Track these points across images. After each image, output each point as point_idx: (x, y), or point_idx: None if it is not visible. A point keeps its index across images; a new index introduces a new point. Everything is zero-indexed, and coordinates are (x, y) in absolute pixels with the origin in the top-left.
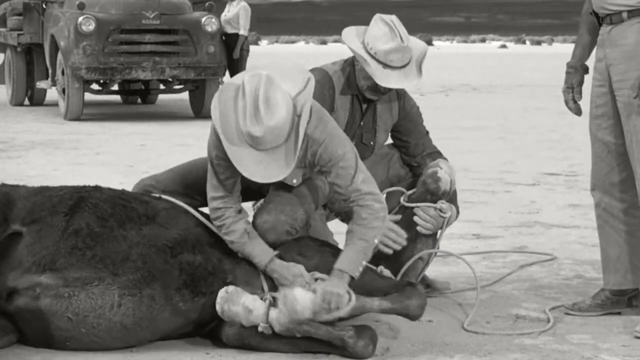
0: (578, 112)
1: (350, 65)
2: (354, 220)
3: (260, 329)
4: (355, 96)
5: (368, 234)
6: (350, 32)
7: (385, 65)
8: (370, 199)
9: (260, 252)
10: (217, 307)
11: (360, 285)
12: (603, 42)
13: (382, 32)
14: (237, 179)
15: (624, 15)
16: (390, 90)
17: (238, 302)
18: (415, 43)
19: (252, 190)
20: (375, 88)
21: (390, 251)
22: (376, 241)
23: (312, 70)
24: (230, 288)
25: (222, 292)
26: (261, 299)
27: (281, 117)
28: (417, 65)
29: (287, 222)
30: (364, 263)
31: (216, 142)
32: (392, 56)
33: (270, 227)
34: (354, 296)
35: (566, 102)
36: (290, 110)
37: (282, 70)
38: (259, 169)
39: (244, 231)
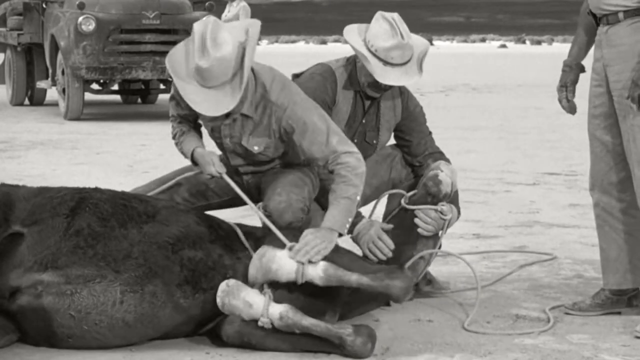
0: (571, 110)
1: (353, 63)
2: (335, 180)
3: (260, 323)
4: (358, 93)
5: (350, 190)
6: (352, 30)
7: (386, 63)
8: (348, 157)
9: (188, 145)
10: (218, 301)
11: (349, 269)
12: (600, 42)
13: (383, 30)
14: (193, 117)
15: (620, 15)
16: (391, 87)
17: (238, 296)
18: (417, 40)
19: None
20: (376, 85)
21: (375, 259)
22: (358, 198)
23: (316, 65)
24: (231, 282)
25: (222, 286)
26: (261, 293)
27: (227, 51)
28: (418, 63)
29: (299, 200)
30: (350, 220)
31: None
32: (392, 53)
33: (286, 206)
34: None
35: (560, 101)
36: (236, 46)
37: (229, 23)
38: (205, 102)
39: (181, 133)
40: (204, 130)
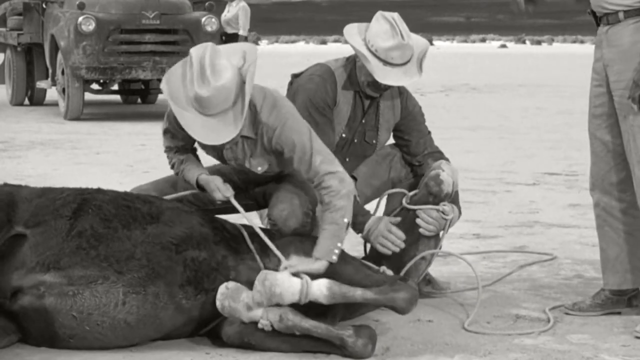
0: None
1: (352, 63)
2: (322, 206)
3: (260, 325)
4: (358, 92)
5: (335, 216)
6: (352, 29)
7: (386, 63)
8: (330, 179)
9: (191, 173)
10: (218, 303)
11: (354, 281)
12: (600, 42)
13: (383, 30)
14: (190, 145)
15: (620, 15)
16: (390, 87)
17: (238, 299)
18: (417, 40)
19: (238, 188)
20: (376, 84)
21: (389, 252)
22: (346, 220)
23: (315, 65)
24: (231, 284)
25: (222, 289)
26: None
27: (227, 79)
28: (418, 63)
29: (302, 205)
30: (339, 245)
31: (170, 114)
32: (392, 53)
33: (289, 214)
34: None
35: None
36: (235, 74)
37: (226, 48)
38: (206, 132)
39: (179, 162)
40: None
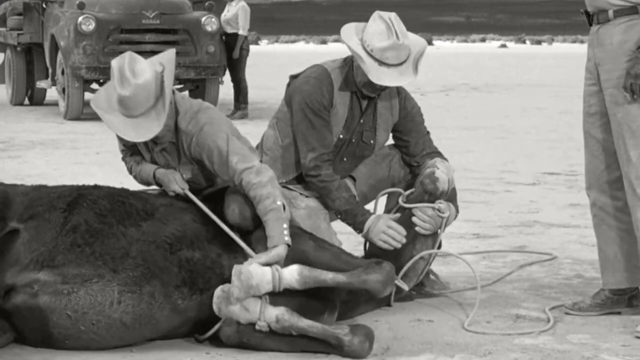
0: None
1: (350, 63)
2: (253, 200)
3: (257, 327)
4: (355, 93)
5: (267, 204)
6: (349, 29)
7: (381, 63)
8: (247, 175)
9: (148, 169)
10: (214, 307)
11: (334, 265)
12: (592, 41)
13: (379, 30)
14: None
15: (610, 13)
16: (387, 87)
17: (234, 301)
18: (415, 40)
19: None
20: (372, 85)
21: (390, 248)
22: (279, 203)
23: (312, 67)
24: (227, 287)
25: (218, 292)
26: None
27: (147, 78)
28: (414, 63)
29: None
30: (286, 226)
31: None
32: (387, 54)
33: (239, 213)
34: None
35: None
36: (154, 75)
37: (143, 58)
38: (131, 129)
39: (136, 163)
40: None
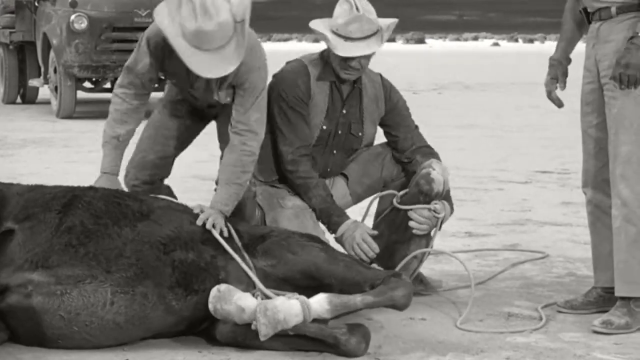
0: (560, 104)
1: (328, 55)
2: (230, 159)
3: (253, 327)
4: (334, 83)
5: (242, 177)
6: (318, 20)
7: (347, 38)
8: (252, 138)
9: (104, 163)
10: (210, 306)
11: (347, 277)
12: (592, 38)
13: (342, 10)
14: (152, 77)
15: (613, 10)
16: (362, 68)
17: (230, 301)
18: (384, 20)
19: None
20: (343, 65)
21: (357, 258)
22: (248, 183)
23: (290, 61)
24: (223, 287)
25: (214, 291)
26: (253, 295)
27: (227, 15)
28: (380, 35)
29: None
30: (235, 203)
31: (144, 49)
32: (350, 27)
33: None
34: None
35: (549, 94)
36: (231, 12)
37: None
38: (205, 65)
39: (114, 135)
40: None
